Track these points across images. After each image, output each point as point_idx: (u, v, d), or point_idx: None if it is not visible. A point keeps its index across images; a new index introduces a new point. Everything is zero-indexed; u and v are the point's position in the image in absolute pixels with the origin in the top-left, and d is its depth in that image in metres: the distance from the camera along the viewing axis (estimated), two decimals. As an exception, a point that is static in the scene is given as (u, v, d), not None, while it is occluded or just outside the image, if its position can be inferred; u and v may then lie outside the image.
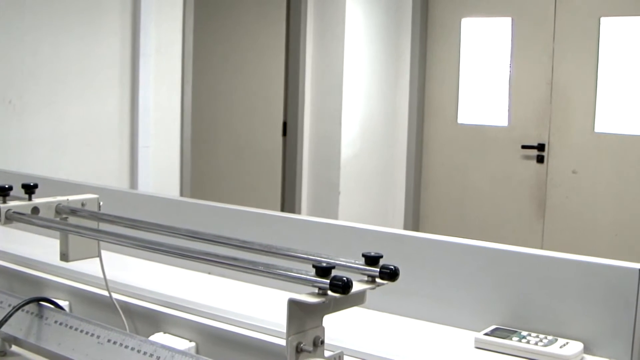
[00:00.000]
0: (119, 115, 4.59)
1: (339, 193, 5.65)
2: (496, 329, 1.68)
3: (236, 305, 1.74)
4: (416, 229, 5.95)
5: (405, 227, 5.91)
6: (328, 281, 1.15)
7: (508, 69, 5.70)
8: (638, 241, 5.08)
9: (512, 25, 5.69)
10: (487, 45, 5.84)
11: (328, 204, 5.68)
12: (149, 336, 1.61)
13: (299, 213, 5.66)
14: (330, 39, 5.65)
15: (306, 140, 5.76)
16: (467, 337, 1.67)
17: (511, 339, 1.62)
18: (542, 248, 5.42)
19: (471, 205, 5.86)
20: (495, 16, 5.79)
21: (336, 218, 5.50)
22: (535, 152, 5.55)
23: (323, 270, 1.16)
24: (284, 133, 5.83)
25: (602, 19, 5.28)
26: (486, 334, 1.66)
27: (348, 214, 5.51)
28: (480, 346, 1.64)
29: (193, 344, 1.65)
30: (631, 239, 5.13)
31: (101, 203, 1.72)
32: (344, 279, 1.15)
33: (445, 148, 5.99)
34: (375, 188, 5.88)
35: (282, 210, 5.68)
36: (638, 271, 1.58)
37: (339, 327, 1.36)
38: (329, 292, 1.15)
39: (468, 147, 5.88)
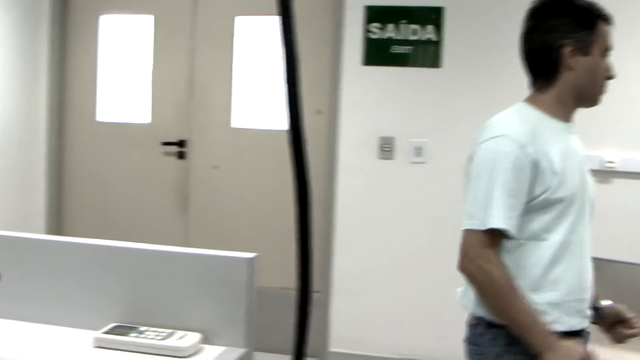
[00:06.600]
0: None
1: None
2: (117, 326, 1.69)
3: None
4: (60, 232, 5.77)
5: (48, 231, 5.71)
6: None
7: (150, 67, 5.71)
8: (274, 232, 5.33)
9: (154, 23, 5.70)
10: (129, 43, 5.80)
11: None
12: None
13: None
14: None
15: None
16: (87, 337, 1.66)
17: (129, 336, 1.63)
18: (187, 243, 5.51)
19: (114, 204, 5.80)
20: (137, 13, 5.76)
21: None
22: (176, 149, 5.62)
23: None
24: None
25: (237, 18, 5.48)
26: (105, 332, 1.66)
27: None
28: (99, 345, 1.64)
29: None
30: (272, 229, 5.37)
31: None
32: None
33: (85, 147, 5.86)
34: (12, 192, 5.61)
35: None
36: (246, 261, 1.67)
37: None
38: None
39: (109, 146, 5.81)
